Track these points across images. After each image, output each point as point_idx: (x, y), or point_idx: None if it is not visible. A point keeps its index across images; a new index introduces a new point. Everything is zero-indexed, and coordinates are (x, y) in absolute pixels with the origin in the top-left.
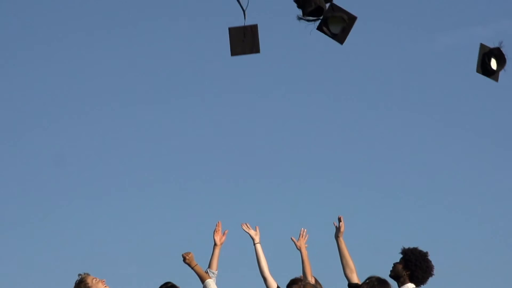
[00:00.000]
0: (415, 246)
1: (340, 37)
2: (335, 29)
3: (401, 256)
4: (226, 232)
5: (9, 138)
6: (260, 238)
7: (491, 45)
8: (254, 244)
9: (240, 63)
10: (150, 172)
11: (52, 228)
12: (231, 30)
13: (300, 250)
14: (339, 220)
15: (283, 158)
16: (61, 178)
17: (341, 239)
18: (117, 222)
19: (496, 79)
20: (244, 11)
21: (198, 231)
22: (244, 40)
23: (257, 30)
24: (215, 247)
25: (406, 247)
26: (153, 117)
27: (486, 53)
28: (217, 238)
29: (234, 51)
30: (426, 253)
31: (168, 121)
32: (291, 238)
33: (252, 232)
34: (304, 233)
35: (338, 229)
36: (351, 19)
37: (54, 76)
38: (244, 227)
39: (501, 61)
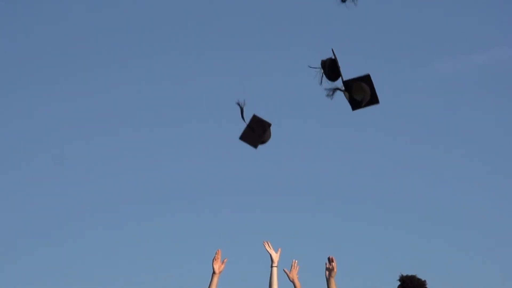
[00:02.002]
0: (413, 274)
1: (374, 99)
2: (359, 96)
3: (399, 283)
4: (225, 260)
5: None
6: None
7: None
8: (272, 266)
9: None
10: (148, 204)
11: None
12: (254, 118)
13: (293, 281)
14: (331, 260)
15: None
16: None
17: (332, 280)
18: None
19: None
20: (242, 112)
21: (197, 259)
22: (255, 133)
23: (269, 131)
24: (213, 275)
25: (404, 274)
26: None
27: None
28: (216, 266)
29: (243, 137)
30: (424, 281)
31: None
32: (284, 270)
33: (273, 253)
34: (295, 264)
35: (330, 270)
36: (366, 79)
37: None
38: (266, 246)
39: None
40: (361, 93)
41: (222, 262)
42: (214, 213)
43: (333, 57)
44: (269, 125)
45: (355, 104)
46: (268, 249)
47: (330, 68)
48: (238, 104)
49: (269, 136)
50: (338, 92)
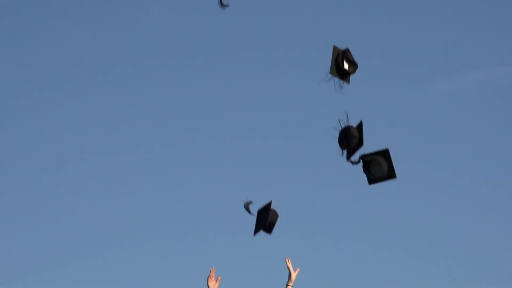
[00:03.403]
0: None
1: (391, 173)
2: (378, 171)
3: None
4: (219, 278)
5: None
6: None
7: None
8: (287, 284)
9: None
10: (146, 229)
11: None
12: (258, 213)
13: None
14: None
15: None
16: None
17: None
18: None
19: (348, 82)
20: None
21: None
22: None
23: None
24: None
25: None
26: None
27: (339, 55)
28: (211, 284)
29: (256, 231)
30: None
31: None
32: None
33: (292, 271)
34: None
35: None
36: (385, 154)
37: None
38: (288, 262)
39: (353, 64)
40: (379, 169)
41: (216, 280)
42: (208, 237)
43: (345, 126)
44: (268, 207)
45: (372, 179)
46: (288, 265)
47: (346, 137)
48: (245, 206)
49: (275, 215)
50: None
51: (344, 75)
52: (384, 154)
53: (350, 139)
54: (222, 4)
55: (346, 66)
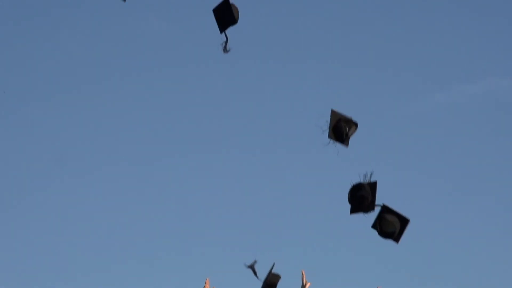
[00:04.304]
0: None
1: (396, 237)
2: (388, 228)
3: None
4: None
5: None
6: None
7: None
8: None
9: None
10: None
11: None
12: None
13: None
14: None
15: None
16: None
17: None
18: None
19: (347, 145)
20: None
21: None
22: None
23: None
24: None
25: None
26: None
27: (338, 120)
28: None
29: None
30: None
31: None
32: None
33: (305, 282)
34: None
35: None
36: (404, 221)
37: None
38: (303, 275)
39: (353, 126)
40: (391, 227)
41: None
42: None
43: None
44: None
45: (388, 235)
46: (304, 278)
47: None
48: (250, 267)
49: (275, 279)
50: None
51: (342, 139)
52: (402, 221)
53: (362, 200)
54: (225, 49)
55: (345, 130)
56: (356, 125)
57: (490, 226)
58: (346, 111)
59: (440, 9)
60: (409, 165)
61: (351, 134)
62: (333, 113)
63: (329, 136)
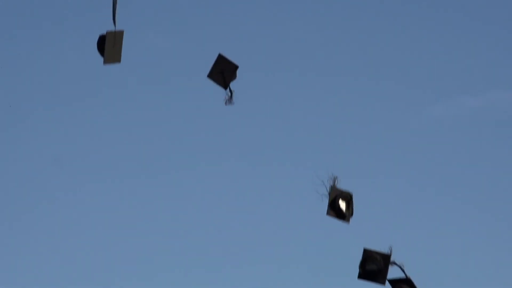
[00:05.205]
0: None
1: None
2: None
3: None
4: None
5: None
6: None
7: None
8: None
9: None
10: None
11: None
12: None
13: None
14: None
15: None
16: None
17: None
18: None
19: (348, 221)
20: None
21: None
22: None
23: None
24: None
25: None
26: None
27: (336, 196)
28: None
29: None
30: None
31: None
32: None
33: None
34: None
35: None
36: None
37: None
38: None
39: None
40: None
41: None
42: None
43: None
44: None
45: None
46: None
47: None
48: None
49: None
50: None
51: (341, 216)
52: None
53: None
54: (229, 100)
55: (343, 207)
56: (351, 196)
57: (491, 245)
58: (341, 122)
59: (440, 15)
60: (404, 178)
61: (351, 211)
62: (333, 188)
63: (328, 213)
